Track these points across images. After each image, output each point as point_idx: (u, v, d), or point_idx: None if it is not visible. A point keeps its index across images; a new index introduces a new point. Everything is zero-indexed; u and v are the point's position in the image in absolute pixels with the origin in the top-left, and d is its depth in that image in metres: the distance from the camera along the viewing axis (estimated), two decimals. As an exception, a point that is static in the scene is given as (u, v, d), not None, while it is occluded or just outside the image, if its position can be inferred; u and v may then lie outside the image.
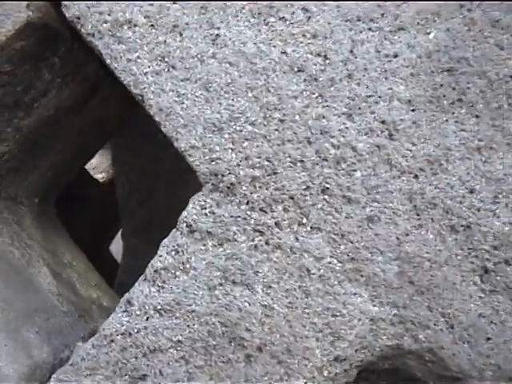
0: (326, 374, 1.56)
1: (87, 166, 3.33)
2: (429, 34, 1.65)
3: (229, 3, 1.60)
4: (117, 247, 3.97)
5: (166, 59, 1.58)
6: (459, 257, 1.60)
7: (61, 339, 1.79)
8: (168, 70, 1.58)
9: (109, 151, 3.50)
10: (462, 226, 1.61)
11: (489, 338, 1.60)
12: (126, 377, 1.53)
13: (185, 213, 1.56)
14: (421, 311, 1.60)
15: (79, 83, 1.88)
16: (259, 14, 1.61)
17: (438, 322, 1.60)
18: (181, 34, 1.59)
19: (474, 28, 1.65)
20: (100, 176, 3.88)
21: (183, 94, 1.57)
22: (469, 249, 1.61)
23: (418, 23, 1.66)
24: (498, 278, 1.60)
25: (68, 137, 2.09)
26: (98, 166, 3.78)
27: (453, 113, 1.63)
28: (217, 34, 1.59)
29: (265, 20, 1.61)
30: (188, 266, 1.55)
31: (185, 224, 1.56)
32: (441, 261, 1.60)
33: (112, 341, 1.54)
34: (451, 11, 1.65)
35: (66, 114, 1.93)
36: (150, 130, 2.73)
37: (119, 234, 3.74)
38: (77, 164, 2.54)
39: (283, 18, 1.62)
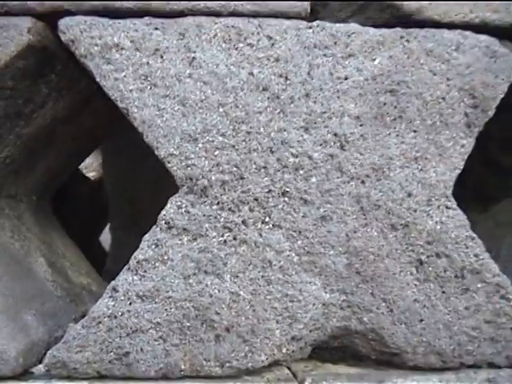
0: (284, 351, 1.61)
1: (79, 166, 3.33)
2: (374, 60, 1.70)
3: (203, 30, 1.64)
4: (105, 238, 3.95)
5: (149, 78, 1.61)
6: (398, 251, 1.66)
7: (55, 321, 1.82)
8: (150, 88, 1.61)
9: (99, 152, 3.50)
10: (401, 224, 1.66)
11: (422, 320, 1.67)
12: (112, 353, 1.56)
13: (164, 211, 1.59)
14: (365, 297, 1.65)
15: (73, 96, 1.90)
16: (230, 40, 1.65)
17: (380, 306, 1.65)
18: (161, 57, 1.62)
19: (412, 56, 1.70)
20: (91, 174, 3.88)
21: (163, 109, 1.60)
22: (406, 244, 1.66)
23: (366, 51, 1.70)
24: (431, 268, 1.66)
25: (63, 143, 2.12)
26: (89, 166, 3.77)
27: (394, 128, 1.68)
28: (193, 57, 1.63)
29: (234, 45, 1.65)
30: (166, 257, 1.59)
31: (163, 221, 1.59)
32: (383, 254, 1.65)
33: (99, 322, 1.57)
34: (393, 41, 1.70)
35: (61, 123, 1.96)
36: (136, 137, 2.75)
37: (107, 226, 3.73)
38: (71, 166, 2.55)
39: (250, 43, 1.66)
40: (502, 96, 1.78)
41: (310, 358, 1.76)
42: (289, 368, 1.74)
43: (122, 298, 1.59)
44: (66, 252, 2.31)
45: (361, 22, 1.79)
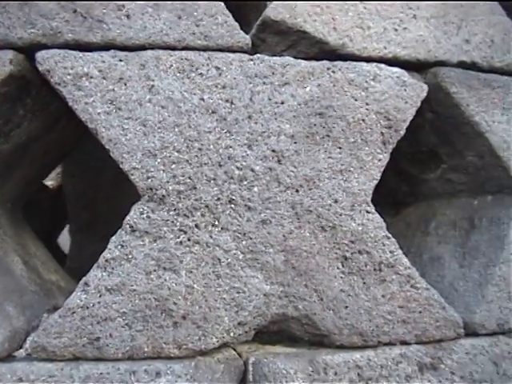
0: (232, 335, 1.73)
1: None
2: (306, 87, 1.84)
3: (161, 62, 1.75)
4: (63, 239, 3.97)
5: (114, 103, 1.70)
6: (327, 249, 1.81)
7: (32, 312, 1.88)
8: (115, 111, 1.70)
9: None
10: (329, 226, 1.81)
11: (346, 307, 1.81)
12: (85, 338, 1.64)
13: (128, 217, 1.68)
14: (300, 288, 1.79)
15: (45, 117, 1.97)
16: (183, 70, 1.76)
17: (312, 295, 1.79)
18: (125, 84, 1.71)
19: (337, 84, 1.85)
20: (50, 183, 3.91)
21: (127, 129, 1.69)
22: (334, 243, 1.81)
23: (298, 80, 1.84)
24: (354, 263, 1.81)
25: (35, 157, 2.18)
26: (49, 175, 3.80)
27: (323, 145, 1.82)
28: (152, 85, 1.73)
29: (187, 75, 1.76)
30: (130, 256, 1.67)
31: (128, 225, 1.68)
32: (314, 252, 1.79)
33: (74, 312, 1.64)
34: (321, 72, 1.85)
35: (35, 140, 2.02)
36: (93, 150, 2.83)
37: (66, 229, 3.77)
38: (41, 177, 2.61)
39: (201, 73, 1.77)
40: (411, 118, 1.94)
41: (252, 340, 1.85)
42: (234, 349, 1.84)
43: (93, 291, 1.66)
44: (37, 252, 2.36)
45: (294, 54, 1.93)
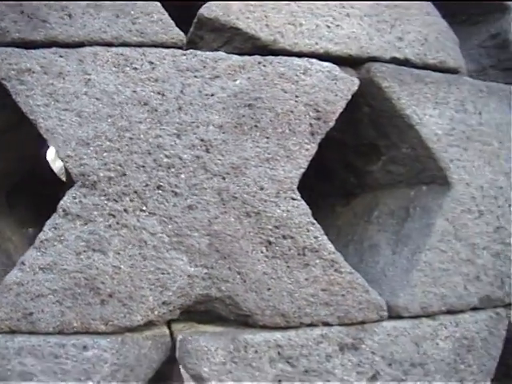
0: (156, 313, 1.70)
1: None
2: (236, 80, 1.80)
3: (98, 57, 1.73)
4: None
5: (53, 95, 1.68)
6: (251, 233, 1.76)
7: None
8: (54, 103, 1.67)
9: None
10: (254, 212, 1.76)
11: (269, 289, 1.76)
12: (19, 313, 1.63)
13: (62, 201, 1.65)
14: (223, 271, 1.74)
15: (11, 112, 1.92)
16: (119, 64, 1.73)
17: (235, 278, 1.74)
18: (64, 78, 1.69)
19: (268, 78, 1.80)
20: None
21: (63, 120, 1.67)
22: (258, 228, 1.76)
23: (229, 73, 1.80)
24: (277, 248, 1.76)
25: (9, 149, 2.17)
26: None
27: (251, 135, 1.78)
28: (89, 79, 1.70)
29: (122, 69, 1.73)
30: (62, 238, 1.65)
31: (61, 209, 1.65)
32: (238, 236, 1.74)
33: (10, 289, 1.63)
34: (252, 66, 1.81)
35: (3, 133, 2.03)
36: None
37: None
38: (21, 168, 2.60)
39: (135, 67, 1.74)
40: (341, 110, 1.89)
41: (189, 320, 1.84)
42: (169, 327, 1.80)
43: (28, 269, 1.64)
44: (13, 237, 2.37)
45: (230, 50, 1.89)
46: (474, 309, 2.04)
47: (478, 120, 2.12)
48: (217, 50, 1.89)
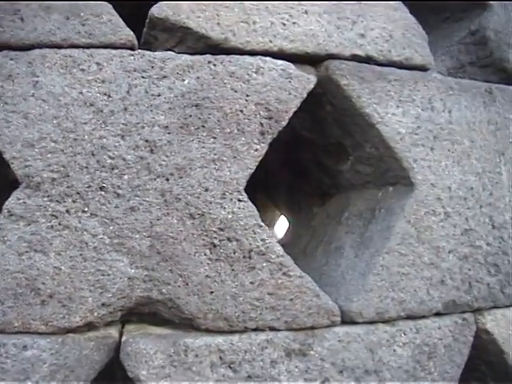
0: (95, 315, 1.59)
1: None
2: (184, 80, 1.67)
3: (47, 59, 1.64)
4: None
5: (2, 98, 1.60)
6: (194, 235, 1.63)
7: None
8: (2, 105, 1.60)
9: None
10: (198, 214, 1.63)
11: (212, 292, 1.63)
12: None
13: (7, 202, 1.57)
14: (165, 273, 1.62)
15: None
16: (66, 66, 1.64)
17: (177, 280, 1.62)
18: (13, 81, 1.61)
19: (217, 77, 1.67)
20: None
21: (10, 121, 1.59)
22: (202, 230, 1.63)
23: (177, 73, 1.68)
24: (222, 250, 1.63)
25: None
26: None
27: (197, 135, 1.65)
28: (37, 81, 1.61)
29: (70, 71, 1.64)
30: (6, 238, 1.56)
31: (6, 210, 1.56)
32: (181, 238, 1.62)
33: None
34: (201, 65, 1.68)
35: None
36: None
37: None
38: None
39: (82, 69, 1.65)
40: (295, 109, 1.75)
41: (142, 321, 1.74)
42: (123, 327, 1.71)
43: None
44: None
45: (184, 50, 1.78)
46: (438, 314, 1.85)
47: (447, 118, 1.93)
48: (170, 49, 1.77)
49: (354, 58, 1.86)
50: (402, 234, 1.80)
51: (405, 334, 1.79)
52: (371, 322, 1.77)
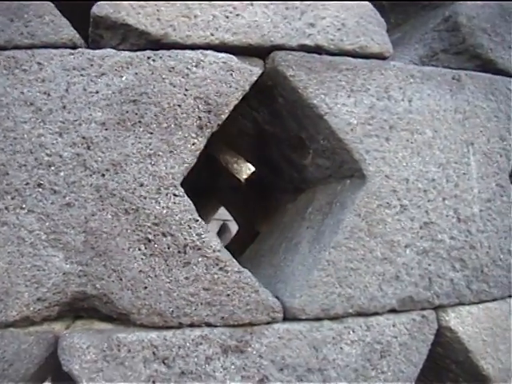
0: (31, 309, 1.60)
1: None
2: (122, 77, 1.67)
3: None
4: None
5: None
6: (129, 231, 1.62)
7: None
8: None
9: None
10: (132, 209, 1.63)
11: (146, 287, 1.61)
12: None
13: None
14: (98, 268, 1.62)
15: None
16: (9, 67, 1.67)
17: (111, 275, 1.61)
18: None
19: (156, 72, 1.67)
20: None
21: None
22: (136, 225, 1.62)
23: (116, 70, 1.68)
24: (156, 245, 1.62)
25: None
26: None
27: (134, 131, 1.65)
28: None
29: (12, 71, 1.67)
30: None
31: None
32: (115, 233, 1.62)
33: None
34: (140, 61, 1.68)
35: None
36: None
37: None
38: None
39: (24, 69, 1.67)
40: (236, 102, 1.72)
41: (91, 317, 1.74)
42: (69, 323, 1.71)
43: None
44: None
45: (127, 47, 1.78)
46: (393, 311, 1.75)
47: (406, 107, 1.85)
48: (114, 47, 1.76)
49: (303, 48, 1.80)
50: (350, 228, 1.73)
51: (353, 332, 1.71)
52: (316, 319, 1.69)
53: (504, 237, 1.92)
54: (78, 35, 1.76)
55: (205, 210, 4.13)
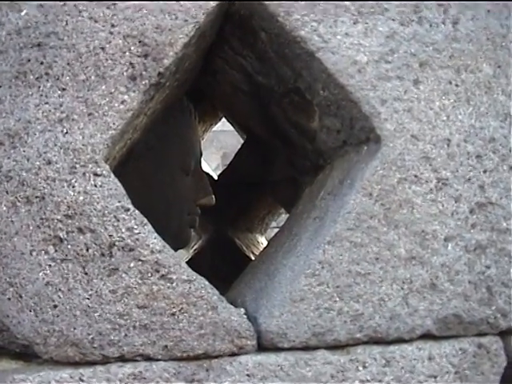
0: None
1: None
2: (21, 11, 1.60)
3: None
4: None
5: None
6: (31, 227, 1.56)
7: None
8: None
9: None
10: (36, 197, 1.56)
11: (55, 306, 1.55)
12: None
13: None
14: None
15: None
16: None
17: (7, 291, 1.56)
18: None
19: (70, 3, 1.57)
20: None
21: None
22: (41, 219, 1.56)
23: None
24: (70, 246, 1.55)
25: None
26: None
27: (38, 87, 1.59)
28: None
29: None
30: None
31: None
32: (12, 232, 1.56)
33: None
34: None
35: None
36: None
37: None
38: None
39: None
40: (185, 40, 1.60)
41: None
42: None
43: None
44: None
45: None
46: (429, 337, 1.59)
47: (448, 33, 1.68)
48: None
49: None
50: (356, 214, 1.57)
51: (364, 367, 1.55)
52: (305, 348, 1.54)
53: None
54: None
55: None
